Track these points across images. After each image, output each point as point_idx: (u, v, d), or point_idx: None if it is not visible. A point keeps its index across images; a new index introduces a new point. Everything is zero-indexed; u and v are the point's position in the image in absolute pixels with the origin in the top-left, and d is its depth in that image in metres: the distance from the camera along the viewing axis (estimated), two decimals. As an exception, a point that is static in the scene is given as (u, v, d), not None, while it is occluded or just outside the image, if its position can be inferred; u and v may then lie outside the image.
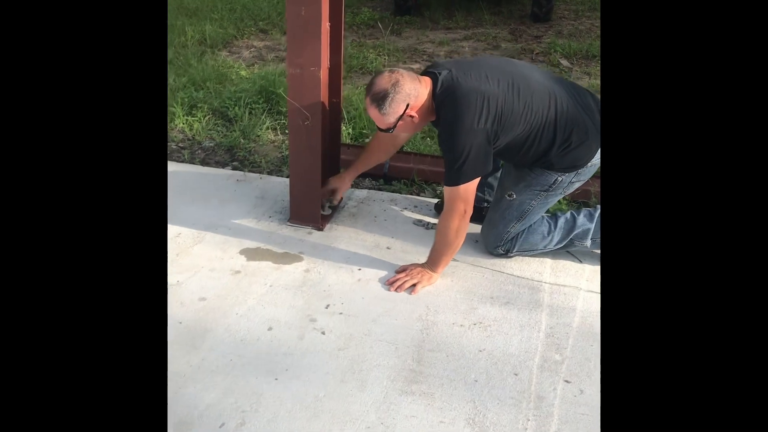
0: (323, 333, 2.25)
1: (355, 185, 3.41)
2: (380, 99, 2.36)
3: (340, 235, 2.87)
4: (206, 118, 4.07)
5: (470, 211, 2.43)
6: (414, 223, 2.98)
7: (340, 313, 2.35)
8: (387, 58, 5.65)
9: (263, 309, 2.36)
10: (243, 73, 4.90)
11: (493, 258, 2.72)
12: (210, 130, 3.98)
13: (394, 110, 2.38)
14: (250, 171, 3.50)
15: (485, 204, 2.91)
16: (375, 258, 2.70)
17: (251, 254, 2.70)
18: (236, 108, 4.11)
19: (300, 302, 2.40)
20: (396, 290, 2.48)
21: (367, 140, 3.85)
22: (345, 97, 4.44)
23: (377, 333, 2.26)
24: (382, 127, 2.47)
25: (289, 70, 2.61)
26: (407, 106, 2.37)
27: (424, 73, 2.49)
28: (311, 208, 2.86)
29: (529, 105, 2.37)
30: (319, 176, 2.78)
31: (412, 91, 2.37)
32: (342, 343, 2.20)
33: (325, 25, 2.59)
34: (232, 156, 3.72)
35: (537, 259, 2.72)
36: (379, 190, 3.36)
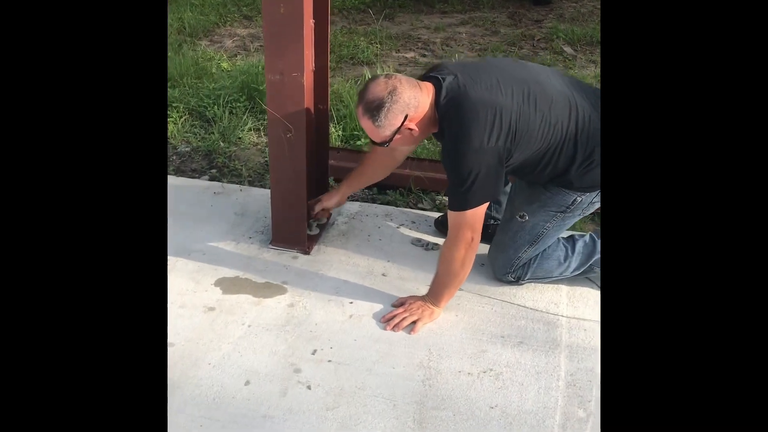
0: (309, 387, 1.94)
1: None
2: (374, 109, 2.04)
3: (329, 258, 2.55)
4: (182, 119, 3.72)
5: (478, 239, 2.12)
6: (412, 243, 2.66)
7: (329, 361, 2.04)
8: (379, 45, 5.29)
9: (240, 357, 2.04)
10: (224, 65, 4.53)
11: (502, 285, 2.41)
12: (186, 132, 3.63)
13: (390, 122, 2.05)
14: (229, 182, 3.16)
15: (492, 221, 2.58)
16: (369, 287, 2.39)
17: (228, 285, 2.38)
18: (215, 107, 3.76)
19: (282, 347, 2.09)
20: (393, 329, 2.17)
21: (358, 143, 3.51)
22: (334, 91, 4.10)
23: (372, 386, 1.95)
24: (377, 140, 2.14)
25: (268, 76, 2.27)
26: (405, 117, 2.05)
27: (425, 78, 2.16)
28: (296, 230, 2.54)
29: (547, 118, 2.05)
30: (304, 194, 2.46)
31: (412, 100, 2.04)
32: (331, 401, 1.89)
33: (309, 24, 2.25)
34: (210, 162, 3.38)
35: (552, 285, 2.41)
36: (373, 201, 3.03)
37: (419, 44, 5.47)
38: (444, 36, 5.63)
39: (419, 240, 2.67)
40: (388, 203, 3.04)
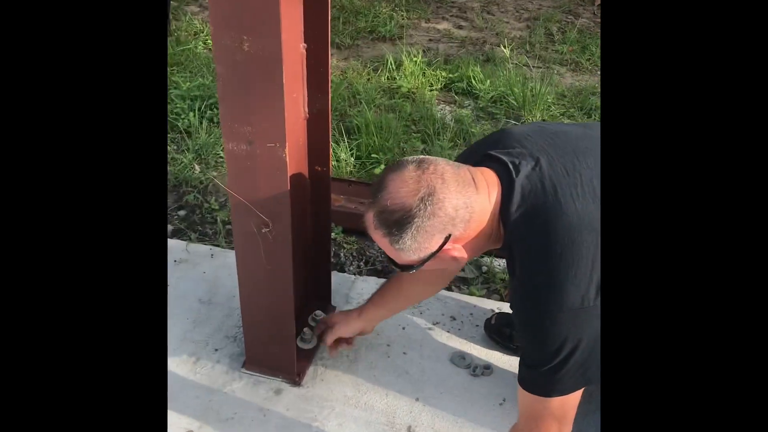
0: None
1: (357, 263, 2.23)
2: (394, 224, 1.22)
3: (328, 395, 1.72)
4: (147, 130, 2.83)
5: None
6: (452, 362, 1.82)
7: None
8: (405, 14, 4.32)
9: None
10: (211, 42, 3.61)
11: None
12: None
13: (420, 245, 1.23)
14: (199, 236, 2.31)
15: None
16: (387, 458, 1.56)
17: (174, 453, 1.57)
18: (191, 115, 2.87)
19: None
20: None
21: (379, 168, 2.63)
22: (344, 80, 3.19)
23: None
24: (398, 263, 1.29)
25: (228, 145, 1.40)
26: (447, 238, 1.21)
27: (483, 159, 1.29)
28: (279, 353, 1.71)
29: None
30: (291, 311, 1.61)
31: (460, 212, 1.22)
32: None
33: (297, 54, 1.37)
34: (179, 197, 2.53)
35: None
36: (395, 277, 2.17)
37: (454, 10, 4.48)
38: (484, 0, 4.64)
39: (462, 357, 1.83)
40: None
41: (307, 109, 1.56)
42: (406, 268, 1.30)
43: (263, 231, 1.48)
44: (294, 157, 1.53)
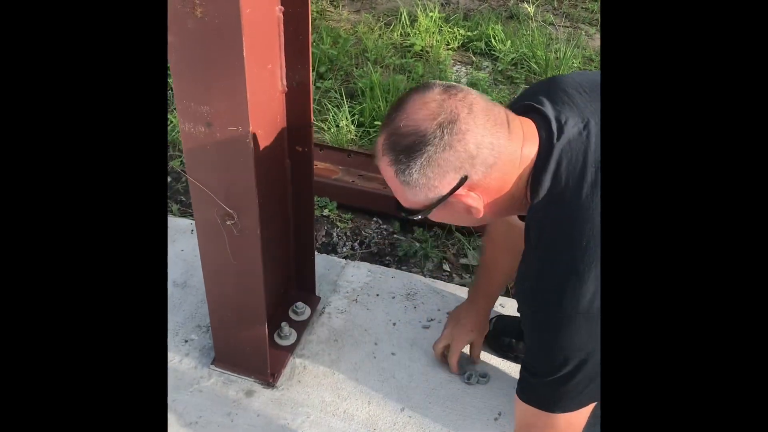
0: None
1: (351, 244, 2.05)
2: (403, 150, 1.02)
3: (304, 400, 1.55)
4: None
5: None
6: (444, 367, 1.64)
7: None
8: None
9: None
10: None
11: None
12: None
13: (429, 182, 1.02)
14: (181, 209, 2.13)
15: None
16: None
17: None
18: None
19: None
20: None
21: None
22: (353, 36, 2.94)
23: None
24: (401, 203, 1.11)
25: (183, 125, 1.20)
26: (463, 180, 1.01)
27: (522, 110, 1.11)
28: (251, 351, 1.54)
29: None
30: (262, 306, 1.44)
31: (483, 152, 1.01)
32: None
33: (268, 21, 1.16)
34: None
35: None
36: (386, 264, 1.99)
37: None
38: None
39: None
40: (410, 260, 1.99)
41: (285, 83, 1.35)
42: (412, 212, 1.09)
43: (227, 223, 1.29)
44: (268, 138, 1.33)
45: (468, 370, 1.62)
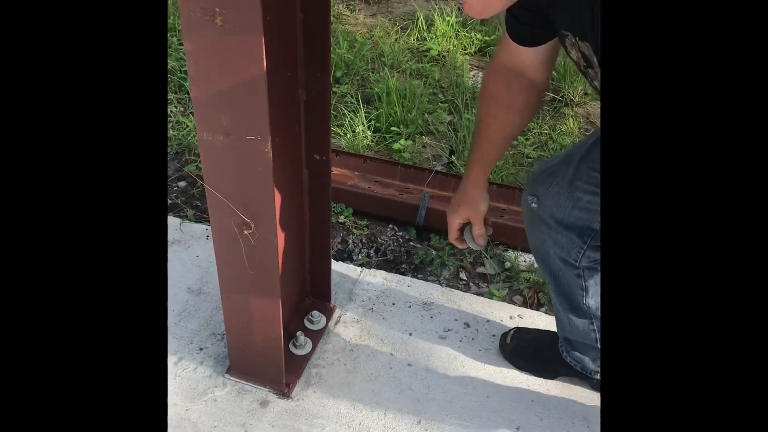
0: None
1: (366, 251, 2.03)
2: None
3: (319, 411, 1.54)
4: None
5: None
6: (462, 385, 1.62)
7: None
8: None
9: None
10: None
11: None
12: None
13: None
14: (197, 214, 2.12)
15: None
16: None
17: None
18: (199, 74, 2.64)
19: None
20: None
21: (397, 145, 2.39)
22: (370, 40, 2.93)
23: None
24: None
25: (201, 134, 1.18)
26: None
27: None
28: (266, 360, 1.52)
29: None
30: (278, 313, 1.42)
31: None
32: None
33: (288, 28, 1.15)
34: (181, 165, 2.33)
35: None
36: (402, 272, 1.97)
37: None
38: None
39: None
40: (426, 268, 1.97)
41: (304, 91, 1.34)
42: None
43: (245, 232, 1.27)
44: (287, 148, 1.32)
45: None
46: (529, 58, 1.27)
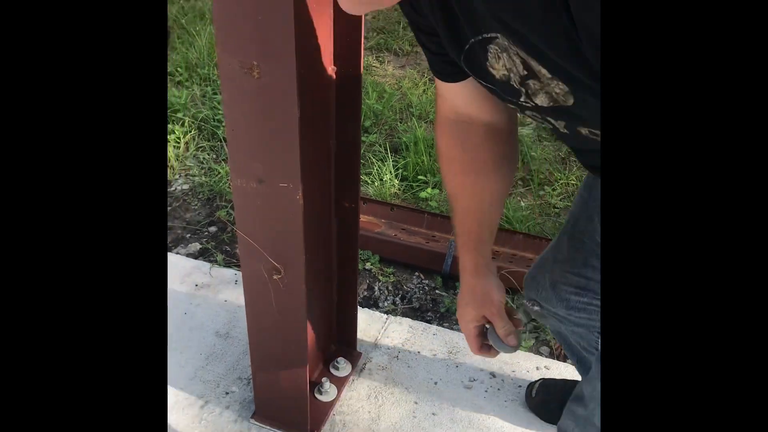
0: None
1: (392, 298, 2.04)
2: None
3: (344, 458, 1.53)
4: (187, 137, 2.70)
5: None
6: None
7: None
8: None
9: None
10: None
11: None
12: (190, 160, 2.62)
13: None
14: (226, 258, 2.16)
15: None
16: None
17: None
18: (232, 122, 2.72)
19: None
20: None
21: (423, 194, 2.42)
22: (398, 91, 2.99)
23: None
24: None
25: (235, 181, 1.22)
26: None
27: None
28: (291, 406, 1.52)
29: None
30: (305, 362, 1.43)
31: None
32: None
33: (322, 80, 1.19)
34: (212, 210, 2.38)
35: None
36: (428, 320, 1.97)
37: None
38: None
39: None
40: (452, 317, 1.97)
41: (336, 141, 1.37)
42: None
43: (274, 277, 1.30)
44: (317, 195, 1.35)
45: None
46: (470, 97, 0.98)
